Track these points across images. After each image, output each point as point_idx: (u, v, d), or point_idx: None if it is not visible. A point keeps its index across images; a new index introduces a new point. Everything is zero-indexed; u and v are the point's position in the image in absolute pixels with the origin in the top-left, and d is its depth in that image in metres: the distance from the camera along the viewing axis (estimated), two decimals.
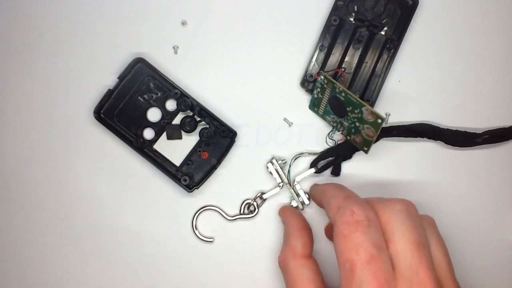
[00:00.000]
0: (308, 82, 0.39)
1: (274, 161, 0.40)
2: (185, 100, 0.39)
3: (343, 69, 0.39)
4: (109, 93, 0.39)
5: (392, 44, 0.39)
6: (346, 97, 0.36)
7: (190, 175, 0.39)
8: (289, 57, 0.40)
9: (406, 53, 0.40)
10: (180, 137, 0.40)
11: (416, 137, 0.39)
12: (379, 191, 0.40)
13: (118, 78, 0.39)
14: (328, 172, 0.40)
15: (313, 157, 0.40)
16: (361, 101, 0.35)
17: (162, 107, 0.40)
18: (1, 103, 0.40)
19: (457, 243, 0.39)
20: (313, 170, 0.40)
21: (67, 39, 0.40)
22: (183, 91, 0.39)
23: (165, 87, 0.39)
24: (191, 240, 0.40)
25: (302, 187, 0.40)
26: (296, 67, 0.40)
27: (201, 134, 0.39)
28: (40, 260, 0.40)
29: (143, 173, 0.40)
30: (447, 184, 0.40)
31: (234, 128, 0.40)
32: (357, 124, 0.37)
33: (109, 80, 0.40)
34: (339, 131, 0.40)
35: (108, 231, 0.40)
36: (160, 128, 0.40)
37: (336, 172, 0.40)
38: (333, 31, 0.40)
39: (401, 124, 0.39)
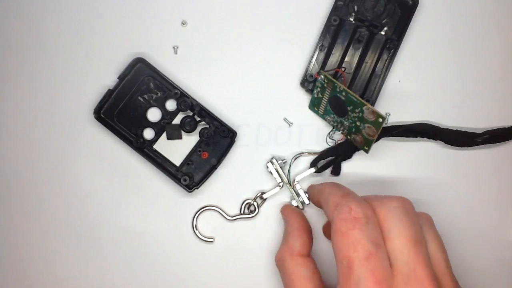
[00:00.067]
0: (308, 82, 0.39)
1: (274, 160, 0.40)
2: (185, 100, 0.39)
3: (343, 69, 0.39)
4: (109, 93, 0.39)
5: (392, 44, 0.39)
6: (346, 97, 0.36)
7: (190, 175, 0.39)
8: (289, 57, 0.40)
9: (406, 53, 0.40)
10: (180, 137, 0.40)
11: (416, 137, 0.39)
12: (379, 191, 0.39)
13: (118, 78, 0.39)
14: (328, 171, 0.40)
15: (313, 157, 0.40)
16: (362, 100, 0.35)
17: (162, 107, 0.40)
18: (1, 103, 0.40)
19: (457, 243, 0.39)
20: (313, 169, 0.40)
21: (67, 39, 0.40)
22: (183, 91, 0.39)
23: (165, 87, 0.39)
24: (191, 240, 0.40)
25: (302, 186, 0.40)
26: (296, 67, 0.40)
27: (201, 134, 0.39)
28: (40, 260, 0.40)
29: (143, 173, 0.40)
30: (447, 184, 0.40)
31: (234, 128, 0.40)
32: (358, 123, 0.37)
33: (109, 80, 0.40)
34: (339, 131, 0.40)
35: (108, 231, 0.40)
36: (160, 128, 0.40)
37: (336, 171, 0.40)
38: (333, 31, 0.40)
39: (401, 124, 0.39)
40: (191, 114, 0.39)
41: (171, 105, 0.40)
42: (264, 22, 0.41)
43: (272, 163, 0.40)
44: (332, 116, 0.39)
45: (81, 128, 0.40)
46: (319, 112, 0.39)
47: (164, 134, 0.40)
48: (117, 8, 0.40)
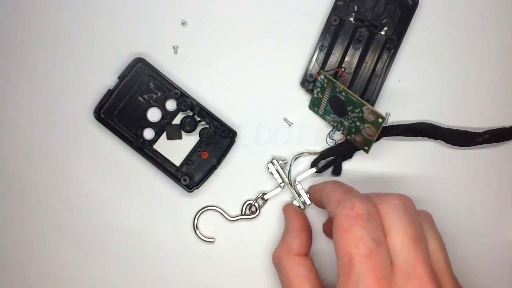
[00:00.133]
0: (308, 82, 0.39)
1: (274, 161, 0.40)
2: (185, 100, 0.39)
3: (343, 69, 0.39)
4: (109, 93, 0.39)
5: (392, 44, 0.39)
6: (346, 97, 0.36)
7: (190, 175, 0.39)
8: (289, 57, 0.40)
9: (406, 53, 0.40)
10: (180, 137, 0.40)
11: (416, 136, 0.39)
12: (379, 190, 0.39)
13: (118, 78, 0.39)
14: (328, 172, 0.40)
15: (313, 157, 0.40)
16: (362, 100, 0.35)
17: (162, 107, 0.40)
18: (1, 103, 0.40)
19: (457, 242, 0.39)
20: (314, 169, 0.39)
21: (67, 39, 0.40)
22: (183, 91, 0.39)
23: (165, 87, 0.39)
24: (191, 240, 0.40)
25: (303, 187, 0.40)
26: (296, 67, 0.40)
27: (201, 134, 0.39)
28: (40, 260, 0.40)
29: (143, 173, 0.40)
30: (447, 183, 0.40)
31: (234, 128, 0.40)
32: (358, 123, 0.37)
33: (109, 80, 0.40)
34: (339, 131, 0.40)
35: (108, 231, 0.40)
36: (160, 128, 0.40)
37: (337, 171, 0.40)
38: (333, 31, 0.40)
39: (401, 124, 0.39)
40: (191, 114, 0.39)
41: (171, 105, 0.40)
42: (264, 22, 0.41)
43: (273, 164, 0.40)
44: (332, 116, 0.39)
45: (81, 128, 0.40)
46: (319, 112, 0.39)
47: (164, 134, 0.39)
48: (117, 8, 0.40)
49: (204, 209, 0.40)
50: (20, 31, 0.40)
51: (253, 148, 0.40)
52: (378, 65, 0.39)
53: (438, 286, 0.28)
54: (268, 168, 0.40)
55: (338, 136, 0.40)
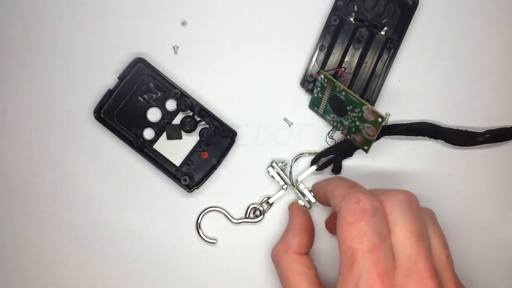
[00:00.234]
0: (308, 82, 0.39)
1: (274, 164, 0.39)
2: (185, 100, 0.39)
3: (343, 69, 0.39)
4: (109, 93, 0.39)
5: (392, 44, 0.39)
6: (346, 96, 0.36)
7: (190, 175, 0.39)
8: (289, 57, 0.40)
9: (406, 53, 0.40)
10: (180, 137, 0.40)
11: (417, 136, 0.39)
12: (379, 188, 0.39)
13: (118, 78, 0.39)
14: (328, 170, 0.40)
15: (313, 157, 0.40)
16: (362, 100, 0.35)
17: (162, 107, 0.40)
18: (1, 103, 0.40)
19: (457, 242, 0.39)
20: (314, 167, 0.39)
21: (67, 39, 0.40)
22: (183, 91, 0.39)
23: (165, 87, 0.39)
24: (192, 240, 0.40)
25: (306, 185, 0.39)
26: (296, 67, 0.40)
27: (201, 134, 0.39)
28: (40, 260, 0.40)
29: (143, 173, 0.40)
30: (447, 184, 0.40)
31: (234, 128, 0.40)
32: (358, 123, 0.37)
33: (109, 80, 0.40)
34: (339, 130, 0.40)
35: (108, 231, 0.40)
36: (160, 128, 0.40)
37: (337, 169, 0.39)
38: (333, 31, 0.40)
39: (402, 123, 0.39)
40: (191, 114, 0.39)
41: (171, 105, 0.40)
42: (264, 22, 0.41)
43: (273, 167, 0.39)
44: (332, 115, 0.39)
45: (81, 128, 0.40)
46: (319, 111, 0.39)
47: (164, 134, 0.39)
48: (117, 8, 0.40)
49: (208, 210, 0.40)
50: (20, 31, 0.40)
51: (253, 148, 0.40)
52: (378, 65, 0.39)
53: (439, 283, 0.28)
54: (269, 172, 0.39)
55: (338, 136, 0.40)
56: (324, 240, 0.39)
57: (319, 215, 0.39)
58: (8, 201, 0.40)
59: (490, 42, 0.41)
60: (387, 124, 0.39)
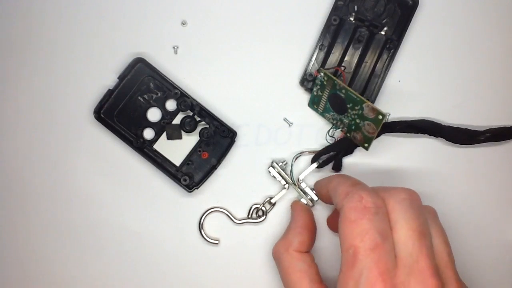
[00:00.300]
0: (307, 81, 0.39)
1: (274, 164, 0.39)
2: (185, 100, 0.39)
3: (343, 68, 0.39)
4: (109, 93, 0.39)
5: (392, 44, 0.39)
6: (346, 94, 0.36)
7: (190, 175, 0.39)
8: (289, 57, 0.40)
9: (406, 53, 0.40)
10: (180, 137, 0.40)
11: (417, 133, 0.39)
12: (380, 185, 0.39)
13: (118, 78, 0.39)
14: (329, 167, 0.40)
15: (313, 155, 0.40)
16: (362, 97, 0.35)
17: (162, 107, 0.40)
18: (1, 103, 0.40)
19: (457, 241, 0.39)
20: (315, 165, 0.39)
21: (67, 39, 0.40)
22: (183, 91, 0.39)
23: (165, 87, 0.39)
24: (192, 240, 0.40)
25: (308, 184, 0.39)
26: (296, 67, 0.40)
27: (201, 134, 0.39)
28: (40, 260, 0.40)
29: (143, 173, 0.40)
30: (447, 182, 0.40)
31: (234, 128, 0.40)
32: (358, 120, 0.37)
33: (109, 80, 0.40)
34: (339, 129, 0.40)
35: (108, 231, 0.40)
36: (160, 128, 0.40)
37: (337, 167, 0.39)
38: (333, 31, 0.40)
39: (402, 120, 0.39)
40: (191, 114, 0.39)
41: (171, 105, 0.40)
42: (264, 22, 0.41)
43: (274, 167, 0.39)
44: (332, 113, 0.39)
45: (81, 128, 0.40)
46: (319, 110, 0.39)
47: (164, 134, 0.39)
48: (117, 8, 0.40)
49: (210, 210, 0.40)
50: (20, 31, 0.40)
51: (253, 148, 0.40)
52: (378, 65, 0.39)
53: (441, 281, 0.28)
54: (270, 172, 0.39)
55: (338, 134, 0.40)
56: (325, 238, 0.39)
57: (321, 213, 0.39)
58: (8, 201, 0.40)
59: (490, 42, 0.41)
60: (388, 121, 0.39)
